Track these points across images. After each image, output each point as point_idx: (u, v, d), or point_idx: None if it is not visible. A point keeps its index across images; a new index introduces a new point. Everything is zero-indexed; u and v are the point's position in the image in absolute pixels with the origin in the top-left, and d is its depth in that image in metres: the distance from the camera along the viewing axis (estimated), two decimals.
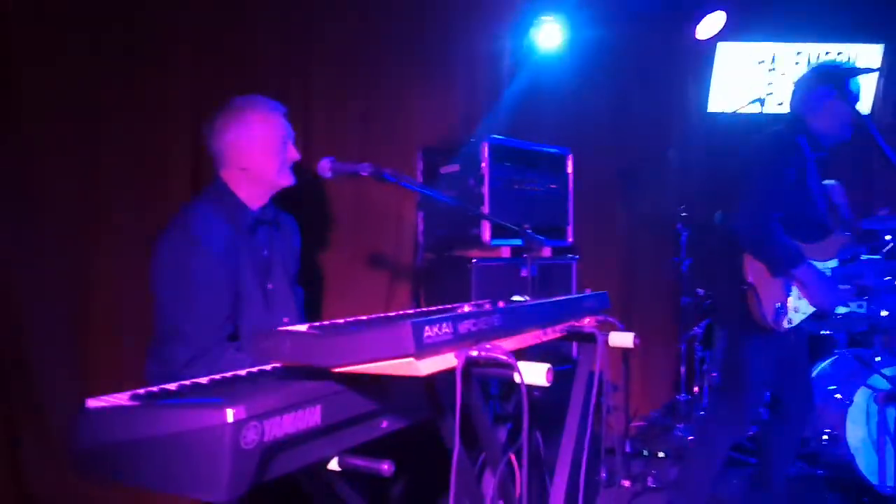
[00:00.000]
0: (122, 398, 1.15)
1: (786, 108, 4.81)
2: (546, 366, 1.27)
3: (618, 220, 4.51)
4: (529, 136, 3.35)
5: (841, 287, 3.51)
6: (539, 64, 4.17)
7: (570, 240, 3.26)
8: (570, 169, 3.32)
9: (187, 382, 1.27)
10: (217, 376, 1.32)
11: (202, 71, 2.78)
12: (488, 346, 1.28)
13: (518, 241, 2.95)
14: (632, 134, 4.49)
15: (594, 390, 1.78)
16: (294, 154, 2.16)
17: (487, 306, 1.59)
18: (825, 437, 3.18)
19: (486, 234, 2.88)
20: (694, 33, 4.54)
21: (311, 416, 1.15)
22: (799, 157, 2.52)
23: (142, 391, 1.18)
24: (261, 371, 1.39)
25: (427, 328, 1.13)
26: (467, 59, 3.83)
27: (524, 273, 2.95)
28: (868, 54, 4.72)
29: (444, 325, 1.19)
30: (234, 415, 0.98)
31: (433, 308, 1.71)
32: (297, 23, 3.14)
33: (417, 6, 3.58)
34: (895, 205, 3.31)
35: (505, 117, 3.89)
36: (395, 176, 1.85)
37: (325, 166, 1.88)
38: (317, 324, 1.31)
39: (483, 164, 2.93)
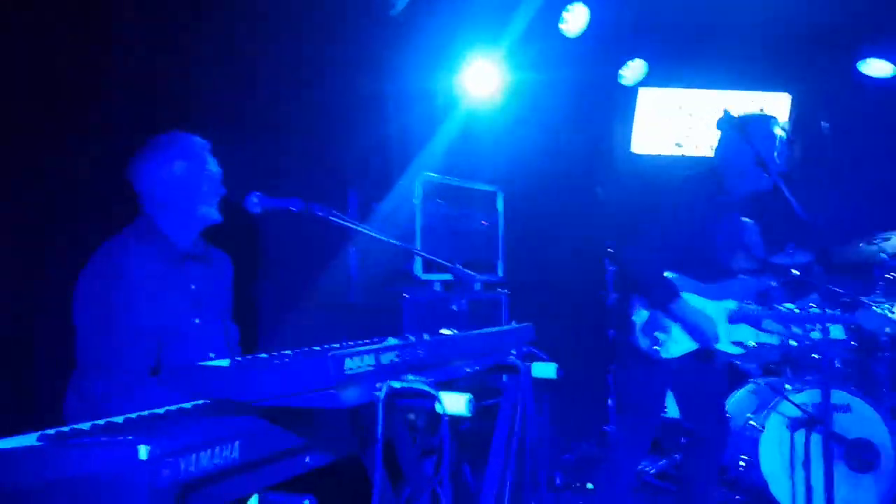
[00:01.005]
0: (28, 439, 1.11)
1: (702, 152, 5.11)
2: (467, 396, 1.30)
3: (548, 255, 4.64)
4: (463, 174, 3.43)
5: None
6: (473, 104, 4.30)
7: (501, 274, 3.34)
8: (501, 206, 3.41)
9: (100, 422, 1.24)
10: (133, 415, 1.29)
11: (134, 105, 2.74)
12: (411, 377, 1.31)
13: (449, 276, 3.00)
14: (562, 172, 4.66)
15: (518, 422, 1.81)
16: (219, 190, 2.14)
17: (413, 339, 1.62)
18: (742, 463, 3.32)
19: (418, 268, 2.92)
20: (619, 78, 4.78)
21: (230, 453, 1.13)
22: (706, 202, 2.60)
23: (51, 431, 1.14)
24: (180, 407, 1.37)
25: (348, 360, 1.15)
26: (401, 98, 3.92)
27: (455, 307, 3.00)
28: (777, 102, 5.08)
29: (367, 356, 1.21)
30: (147, 452, 0.97)
31: (360, 342, 1.72)
32: (228, 56, 3.15)
33: (352, 42, 3.65)
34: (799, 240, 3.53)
35: (439, 155, 3.98)
36: (325, 211, 1.87)
37: (252, 201, 1.88)
38: (238, 358, 1.31)
39: (415, 201, 2.98)
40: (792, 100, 5.03)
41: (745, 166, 2.59)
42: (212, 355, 2.06)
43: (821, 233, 2.37)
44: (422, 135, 4.04)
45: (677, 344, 2.58)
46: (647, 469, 3.81)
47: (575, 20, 4.21)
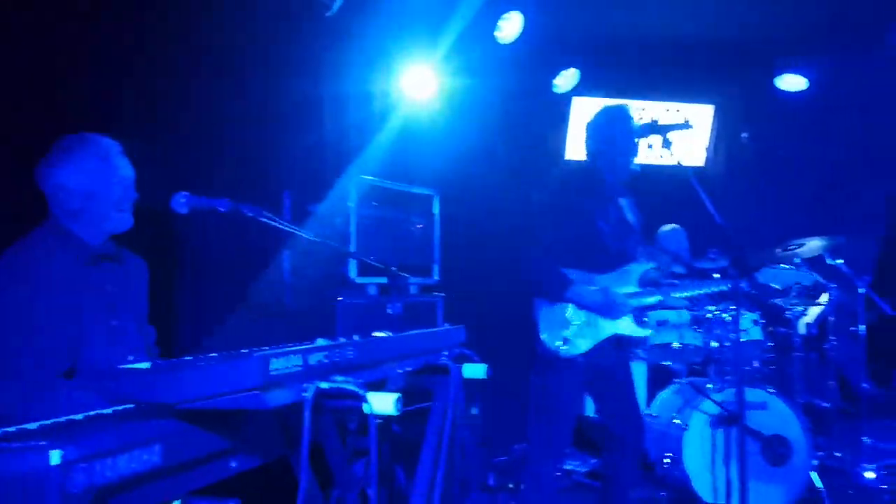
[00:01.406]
0: None
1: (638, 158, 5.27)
2: (395, 395, 1.31)
3: (484, 258, 4.69)
4: (400, 178, 3.44)
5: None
6: (410, 108, 4.32)
7: (437, 278, 3.36)
8: (436, 209, 3.44)
9: (12, 429, 1.19)
10: (48, 421, 1.24)
11: (51, 103, 2.63)
12: (340, 378, 1.31)
13: (384, 279, 3.00)
14: (498, 177, 4.73)
15: (449, 422, 1.83)
16: (131, 194, 2.04)
17: (343, 341, 1.62)
18: (666, 460, 3.45)
19: (353, 272, 2.91)
20: (552, 87, 4.90)
21: (151, 457, 1.11)
22: (589, 196, 2.70)
23: None
24: (98, 412, 1.32)
25: (274, 360, 1.14)
26: (338, 100, 3.90)
27: (390, 310, 3.00)
28: (702, 113, 5.32)
29: (293, 357, 1.20)
30: (60, 457, 0.94)
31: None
32: (161, 56, 3.06)
33: (286, 42, 3.61)
34: (723, 246, 3.70)
35: (376, 158, 3.97)
36: (255, 212, 1.85)
37: (179, 201, 1.84)
38: (160, 361, 1.28)
39: (350, 204, 2.97)
40: (715, 111, 5.27)
41: (613, 156, 2.70)
42: (130, 358, 1.99)
43: (737, 238, 2.48)
44: (359, 138, 4.03)
45: (583, 339, 2.62)
46: (579, 468, 3.90)
47: (510, 28, 4.29)
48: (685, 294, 2.73)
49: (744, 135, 4.53)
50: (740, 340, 3.72)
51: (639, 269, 2.73)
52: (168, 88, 3.10)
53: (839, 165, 5.04)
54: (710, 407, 3.34)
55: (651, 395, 4.09)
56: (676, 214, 4.99)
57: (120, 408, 1.33)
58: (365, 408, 1.30)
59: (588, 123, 2.80)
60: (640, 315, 2.69)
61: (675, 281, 2.78)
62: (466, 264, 4.39)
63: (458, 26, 4.00)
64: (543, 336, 2.64)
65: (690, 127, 5.22)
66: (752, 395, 3.36)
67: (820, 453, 3.99)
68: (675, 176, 2.71)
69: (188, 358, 1.33)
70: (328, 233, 3.09)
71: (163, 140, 2.98)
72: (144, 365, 1.21)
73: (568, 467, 3.92)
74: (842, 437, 4.25)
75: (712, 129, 5.32)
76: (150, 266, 2.27)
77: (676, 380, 3.91)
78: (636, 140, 2.72)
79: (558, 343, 2.59)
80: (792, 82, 4.95)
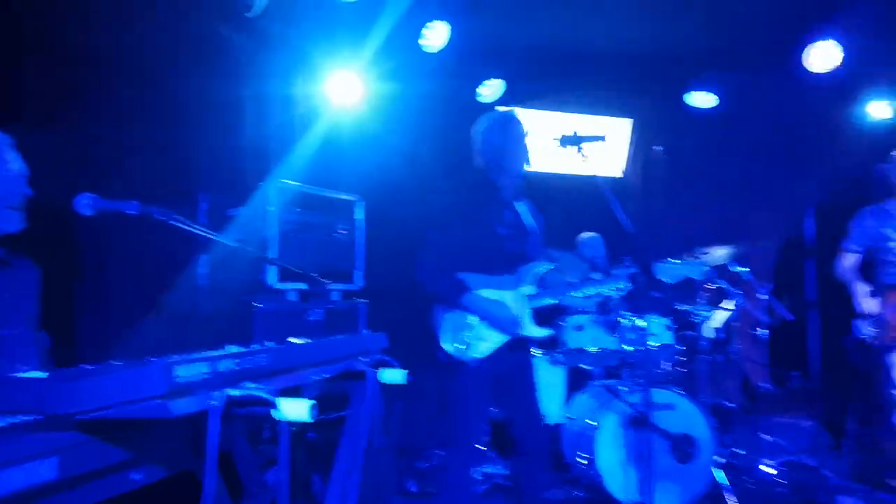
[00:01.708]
0: None
1: (548, 169, 5.43)
2: (309, 402, 1.30)
3: (409, 265, 4.70)
4: (324, 183, 3.42)
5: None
6: (336, 113, 4.30)
7: (360, 284, 3.35)
8: (360, 215, 3.43)
9: None
10: None
11: None
12: (251, 385, 1.30)
13: (305, 285, 2.97)
14: (422, 184, 4.76)
15: (366, 428, 1.84)
16: (21, 190, 1.93)
17: (257, 347, 1.60)
18: (582, 460, 3.56)
19: (272, 278, 2.87)
20: (477, 96, 4.98)
21: (46, 470, 1.07)
22: (484, 200, 2.74)
23: None
24: None
25: (179, 367, 1.12)
26: (261, 103, 3.84)
27: (311, 317, 2.97)
28: (621, 126, 5.53)
29: (201, 364, 1.18)
30: None
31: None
32: (69, 46, 2.93)
33: (203, 40, 3.52)
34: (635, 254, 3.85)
35: (300, 163, 3.93)
36: (167, 215, 1.79)
37: (83, 202, 1.76)
38: (58, 369, 1.23)
39: (270, 208, 2.92)
40: (633, 125, 5.50)
41: (503, 161, 2.74)
42: (22, 368, 1.89)
43: (645, 246, 2.59)
44: (282, 142, 3.98)
45: (483, 342, 2.62)
46: (499, 471, 3.97)
47: (435, 36, 4.34)
48: (583, 294, 2.75)
49: (657, 148, 4.75)
50: (652, 345, 3.89)
51: (537, 270, 2.75)
52: (74, 82, 2.97)
53: (744, 178, 5.34)
54: (622, 408, 3.47)
55: (570, 398, 4.20)
56: (598, 222, 5.17)
57: (13, 419, 1.27)
58: (276, 415, 1.29)
59: (476, 131, 2.81)
60: (539, 315, 2.72)
61: (573, 281, 2.82)
62: (391, 271, 4.40)
63: (382, 32, 4.01)
64: (444, 341, 2.63)
65: (603, 139, 5.41)
66: (662, 396, 3.51)
67: (724, 450, 4.21)
68: (596, 186, 2.78)
69: (87, 366, 1.28)
70: (249, 238, 3.03)
71: (70, 137, 2.85)
72: (40, 374, 1.16)
73: (488, 470, 3.98)
74: (744, 435, 4.50)
75: (630, 142, 5.54)
76: (48, 270, 2.16)
77: (591, 382, 4.04)
78: (525, 144, 2.76)
79: (459, 347, 2.58)
80: (702, 99, 5.23)
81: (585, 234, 5.04)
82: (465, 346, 2.58)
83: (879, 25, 4.44)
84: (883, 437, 3.79)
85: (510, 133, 2.77)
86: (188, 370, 1.14)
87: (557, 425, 4.10)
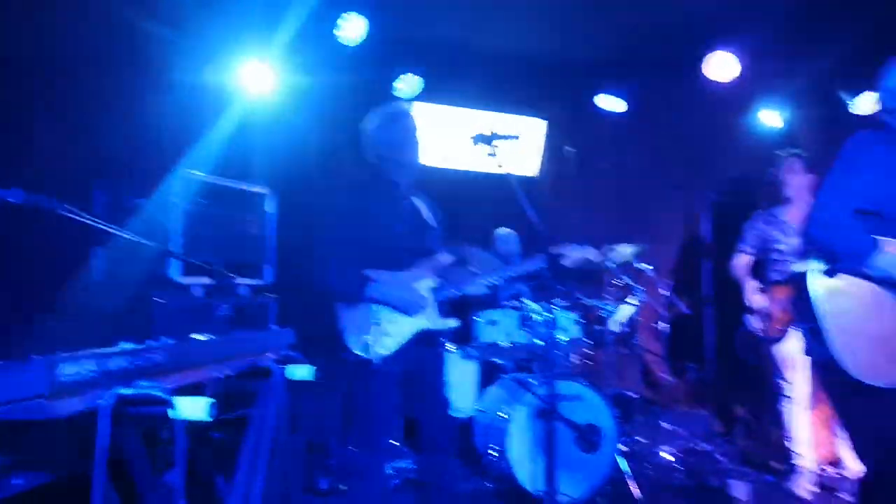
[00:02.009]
0: None
1: (464, 167, 5.49)
2: (207, 400, 1.27)
3: (308, 263, 4.62)
4: (236, 175, 3.31)
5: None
6: (248, 104, 4.18)
7: (269, 279, 3.28)
8: (271, 208, 3.35)
9: None
10: None
11: None
12: (144, 383, 1.24)
13: (210, 280, 2.87)
14: (337, 178, 4.69)
15: (271, 425, 1.80)
16: None
17: (153, 344, 1.54)
18: (493, 452, 3.63)
19: (176, 272, 2.75)
20: (394, 91, 4.97)
21: None
22: (381, 195, 2.71)
23: None
24: None
25: (64, 365, 1.06)
26: (165, 92, 3.67)
27: (217, 312, 2.88)
28: (536, 127, 5.66)
29: (88, 362, 1.13)
30: None
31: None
32: None
33: (110, 26, 3.34)
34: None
35: (209, 154, 3.79)
36: (54, 205, 1.69)
37: None
38: None
39: (175, 200, 2.81)
40: (547, 125, 5.64)
41: (396, 157, 2.73)
42: None
43: (551, 241, 2.65)
44: (189, 132, 3.82)
45: (389, 338, 2.59)
46: (411, 465, 3.98)
47: (352, 29, 4.29)
48: (484, 282, 2.75)
49: (568, 149, 4.90)
50: (561, 338, 4.02)
51: (437, 263, 2.75)
52: None
53: (649, 180, 5.58)
54: (531, 400, 3.56)
55: (482, 392, 4.28)
56: (513, 220, 5.28)
57: None
58: (172, 414, 1.25)
59: (366, 126, 2.79)
60: (443, 307, 2.72)
61: (474, 271, 2.84)
62: (303, 265, 4.32)
63: (296, 22, 3.93)
64: (349, 341, 2.57)
65: (517, 138, 5.53)
66: (569, 387, 3.63)
67: (626, 439, 4.41)
68: (510, 184, 2.78)
69: None
70: (151, 230, 2.90)
71: None
72: None
73: (400, 465, 3.99)
74: (645, 424, 4.73)
75: (544, 143, 5.68)
76: None
77: (503, 375, 4.12)
78: (416, 137, 2.75)
79: (365, 345, 2.53)
80: (611, 103, 5.43)
81: (501, 231, 5.13)
82: (370, 345, 2.52)
83: (773, 41, 4.76)
84: (769, 423, 4.08)
85: (401, 127, 2.75)
86: (74, 368, 1.08)
87: (470, 418, 4.17)
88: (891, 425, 2.05)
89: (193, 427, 1.42)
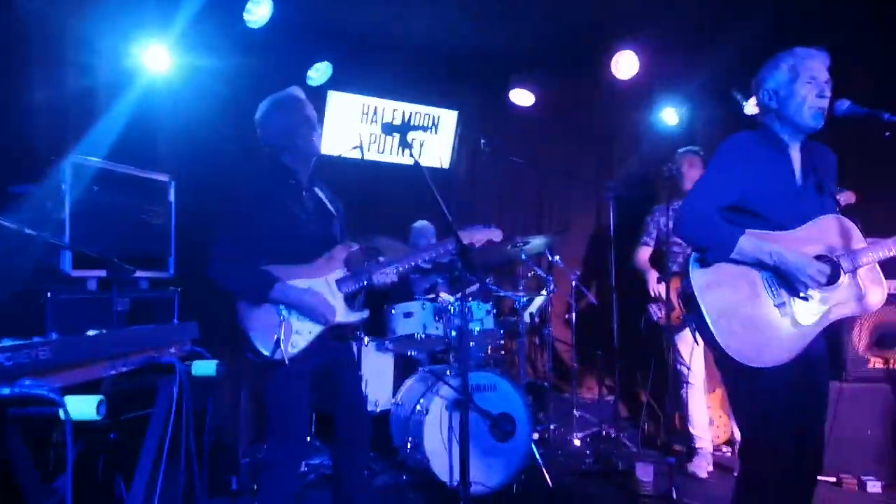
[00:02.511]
0: None
1: (376, 157, 5.44)
2: (97, 398, 1.18)
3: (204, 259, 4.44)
4: (135, 162, 3.11)
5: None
6: (148, 89, 3.94)
7: (172, 271, 3.11)
8: (173, 197, 3.18)
9: None
10: None
11: None
12: (28, 382, 1.14)
13: (105, 273, 2.69)
14: (245, 167, 4.53)
15: (172, 424, 1.71)
16: None
17: (38, 340, 1.41)
18: (409, 445, 3.62)
19: (67, 264, 2.56)
20: (307, 79, 4.84)
21: None
22: (281, 187, 2.61)
23: None
24: None
25: None
26: (52, 73, 3.40)
27: (114, 306, 2.70)
28: (448, 118, 5.67)
29: None
30: None
31: None
32: None
33: None
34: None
35: (106, 140, 3.54)
36: None
37: None
38: None
39: (64, 186, 2.61)
40: (459, 117, 5.67)
41: (291, 145, 2.64)
42: None
43: (460, 234, 2.62)
44: (82, 115, 3.56)
45: (298, 335, 2.50)
46: (325, 461, 3.92)
47: (260, 11, 4.14)
48: (392, 269, 2.66)
49: (483, 141, 4.94)
50: (475, 329, 4.05)
51: (343, 253, 2.68)
52: None
53: (558, 173, 5.72)
54: (447, 392, 3.57)
55: (399, 384, 4.26)
56: (429, 211, 5.27)
57: None
58: (62, 414, 1.15)
59: (260, 114, 2.69)
60: (351, 300, 2.65)
61: (381, 259, 2.77)
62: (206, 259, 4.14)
63: (197, 3, 3.74)
64: (255, 341, 2.45)
65: (428, 129, 5.57)
66: (484, 378, 3.67)
67: (539, 427, 4.51)
68: (430, 175, 2.71)
69: None
70: (40, 219, 2.68)
71: None
72: None
73: (314, 461, 3.91)
74: (557, 412, 4.87)
75: (456, 134, 5.71)
76: None
77: (420, 368, 4.12)
78: (313, 124, 2.67)
79: (273, 345, 2.42)
80: (522, 97, 5.52)
81: (417, 223, 5.12)
82: (278, 343, 2.41)
83: (672, 41, 4.98)
84: (671, 407, 4.28)
85: (295, 114, 2.65)
86: None
87: (387, 412, 4.14)
88: (768, 402, 2.20)
89: (88, 428, 1.32)
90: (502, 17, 4.70)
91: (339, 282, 2.61)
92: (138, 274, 2.92)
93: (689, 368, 4.14)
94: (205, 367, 1.79)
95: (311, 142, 2.66)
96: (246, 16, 4.11)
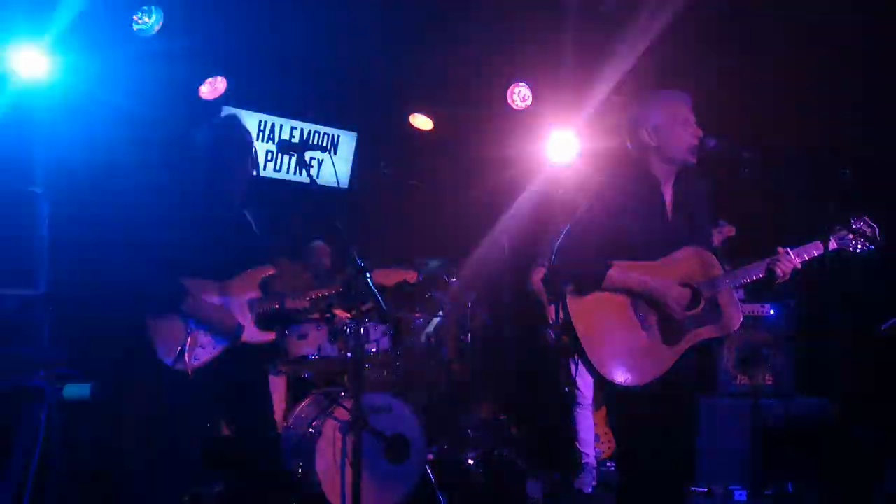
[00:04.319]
0: None
1: (282, 175, 5.35)
2: None
3: (112, 266, 4.19)
4: (10, 173, 2.90)
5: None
6: (19, 96, 3.69)
7: (40, 289, 2.90)
8: (44, 209, 2.99)
9: None
10: None
11: None
12: None
13: None
14: (133, 180, 4.29)
15: (39, 451, 1.58)
16: None
17: None
18: (300, 469, 3.52)
19: None
20: (199, 92, 4.68)
21: None
22: (205, 205, 2.63)
23: None
24: None
25: None
26: None
27: None
28: (348, 139, 5.66)
29: None
30: None
31: None
32: None
33: None
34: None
35: None
36: None
37: None
38: None
39: None
40: (358, 138, 5.67)
41: (225, 168, 2.70)
42: None
43: (366, 256, 2.65)
44: None
45: (202, 349, 2.50)
46: (212, 490, 3.74)
47: (149, 21, 3.99)
48: (308, 296, 2.75)
49: (382, 163, 4.97)
50: (371, 351, 4.04)
51: (261, 274, 2.71)
52: None
53: (456, 197, 5.82)
54: (341, 414, 3.52)
55: (292, 407, 4.13)
56: (324, 231, 5.21)
57: None
58: None
59: (198, 137, 2.75)
60: (262, 320, 2.67)
61: (296, 288, 2.84)
62: (84, 274, 3.87)
63: (77, 6, 3.55)
64: (158, 350, 2.43)
65: (325, 149, 5.55)
66: (379, 399, 3.65)
67: (434, 448, 4.53)
68: (328, 195, 2.78)
69: None
70: None
71: None
72: None
73: (214, 483, 3.72)
74: (452, 432, 4.90)
75: (355, 155, 5.71)
76: None
77: (314, 390, 4.03)
78: (250, 149, 2.75)
79: (176, 356, 2.41)
80: (421, 122, 5.60)
81: (313, 243, 5.06)
82: (181, 356, 2.41)
83: (563, 74, 5.24)
84: (561, 426, 4.43)
85: (233, 139, 2.73)
86: None
87: (278, 436, 4.01)
88: (638, 419, 2.37)
89: None
90: (402, 43, 4.77)
91: (251, 301, 2.63)
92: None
93: (579, 390, 4.26)
94: (77, 391, 1.67)
95: (245, 167, 2.74)
96: (135, 26, 3.94)
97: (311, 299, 2.74)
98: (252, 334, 2.62)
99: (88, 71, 3.94)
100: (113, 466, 3.47)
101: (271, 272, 2.73)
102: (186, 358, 2.40)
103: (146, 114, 4.29)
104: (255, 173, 2.78)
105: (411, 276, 2.94)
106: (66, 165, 3.76)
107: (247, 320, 2.61)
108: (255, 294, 2.66)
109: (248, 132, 2.81)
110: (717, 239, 4.07)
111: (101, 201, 3.77)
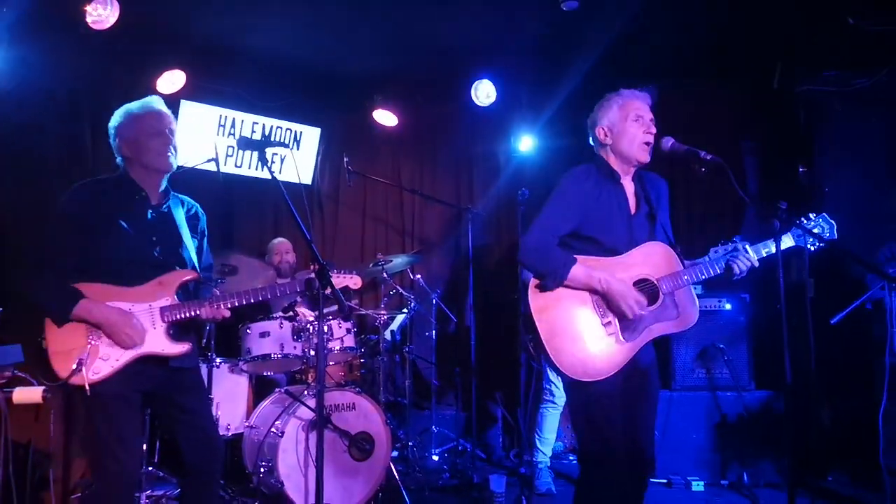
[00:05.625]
0: None
1: (243, 171, 5.27)
2: None
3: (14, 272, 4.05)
4: None
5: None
6: None
7: None
8: None
9: None
10: None
11: None
12: None
13: None
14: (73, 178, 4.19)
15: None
16: None
17: None
18: (262, 469, 3.48)
19: None
20: (155, 86, 4.57)
21: None
22: (113, 203, 2.46)
23: None
24: None
25: None
26: None
27: None
28: (311, 134, 5.59)
29: None
30: None
31: None
32: None
33: None
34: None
35: None
36: None
37: None
38: None
39: None
40: (321, 133, 5.61)
41: (139, 158, 2.49)
42: None
43: (330, 252, 2.61)
44: None
45: (104, 361, 2.30)
46: (170, 492, 3.68)
47: (103, 12, 3.86)
48: (227, 304, 2.48)
49: (345, 159, 4.93)
50: (335, 348, 4.01)
51: (178, 279, 2.49)
52: None
53: (421, 192, 5.80)
54: (304, 412, 3.49)
55: (255, 406, 4.09)
56: (289, 228, 5.16)
57: None
58: None
59: (110, 125, 2.54)
60: (173, 329, 2.45)
61: (217, 292, 2.55)
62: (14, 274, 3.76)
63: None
64: (54, 362, 2.24)
65: (287, 146, 5.45)
66: (343, 396, 3.63)
67: (398, 444, 4.53)
68: (290, 191, 2.63)
69: None
70: None
71: None
72: None
73: (158, 492, 3.66)
74: (415, 429, 4.91)
75: (318, 151, 5.64)
76: None
77: (277, 389, 3.99)
78: (167, 137, 2.50)
79: (74, 369, 2.23)
80: (385, 117, 5.58)
81: (275, 240, 5.00)
82: (80, 367, 2.22)
83: (528, 71, 5.28)
84: (524, 421, 4.47)
85: (147, 126, 2.48)
86: None
87: (239, 435, 3.96)
88: (597, 412, 2.40)
89: None
90: (366, 38, 4.73)
91: (163, 309, 2.42)
92: None
93: (556, 388, 4.22)
94: (28, 395, 1.62)
95: (161, 156, 2.49)
96: (88, 18, 3.82)
97: (230, 308, 2.48)
98: (160, 345, 2.40)
99: (37, 64, 3.81)
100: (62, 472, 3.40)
101: (191, 276, 2.52)
102: (84, 371, 2.21)
103: (97, 110, 4.18)
104: (172, 164, 2.52)
105: (355, 282, 2.78)
106: (10, 160, 3.63)
107: (157, 328, 2.41)
108: (168, 301, 2.45)
109: (168, 120, 2.54)
110: None
111: (34, 201, 3.58)
